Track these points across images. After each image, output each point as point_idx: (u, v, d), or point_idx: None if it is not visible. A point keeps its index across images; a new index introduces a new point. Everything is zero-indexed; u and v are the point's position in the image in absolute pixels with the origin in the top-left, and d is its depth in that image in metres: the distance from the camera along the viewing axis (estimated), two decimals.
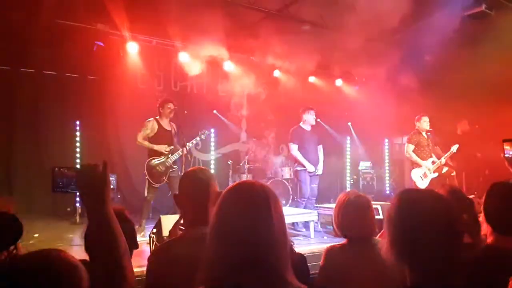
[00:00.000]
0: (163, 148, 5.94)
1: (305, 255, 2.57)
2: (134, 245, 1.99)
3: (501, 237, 1.88)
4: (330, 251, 2.34)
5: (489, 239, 1.93)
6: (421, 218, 1.33)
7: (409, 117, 7.61)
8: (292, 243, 2.46)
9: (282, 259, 1.23)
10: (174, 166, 5.99)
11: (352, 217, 2.34)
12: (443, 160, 6.91)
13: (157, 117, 6.08)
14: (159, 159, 5.97)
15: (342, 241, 2.42)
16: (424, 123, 7.01)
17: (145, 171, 5.91)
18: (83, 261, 1.16)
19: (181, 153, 5.96)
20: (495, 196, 1.95)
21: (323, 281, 2.25)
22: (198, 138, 6.30)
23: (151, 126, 5.99)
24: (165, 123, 6.10)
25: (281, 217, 1.27)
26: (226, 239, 1.22)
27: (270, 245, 1.20)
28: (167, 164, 5.95)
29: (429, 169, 6.85)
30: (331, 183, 10.51)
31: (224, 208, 1.27)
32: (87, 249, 1.76)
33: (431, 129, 7.07)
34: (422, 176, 6.87)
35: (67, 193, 1.43)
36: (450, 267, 1.32)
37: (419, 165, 6.91)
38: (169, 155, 5.97)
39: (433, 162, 6.90)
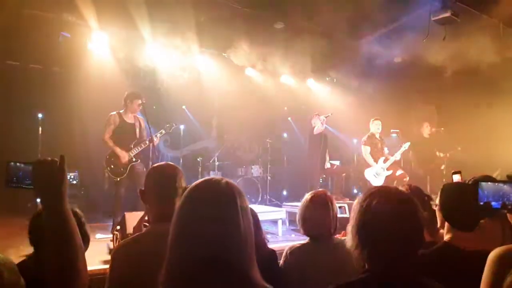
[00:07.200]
0: (123, 156, 5.69)
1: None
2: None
3: (458, 233, 1.92)
4: (290, 251, 2.36)
5: (447, 236, 1.97)
6: (384, 217, 1.35)
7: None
8: (267, 240, 2.45)
9: (247, 258, 1.18)
10: (134, 160, 5.81)
11: (312, 216, 2.34)
12: (398, 156, 7.29)
13: (121, 111, 5.87)
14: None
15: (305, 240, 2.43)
16: (375, 126, 7.45)
17: (104, 163, 5.69)
18: (29, 256, 1.10)
19: (143, 146, 5.82)
20: (449, 193, 2.01)
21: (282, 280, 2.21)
22: (163, 131, 6.16)
23: (114, 120, 5.80)
24: (128, 117, 5.90)
25: (247, 215, 1.22)
26: (188, 238, 1.17)
27: (235, 244, 1.16)
28: (127, 157, 5.77)
29: (382, 168, 7.25)
30: (302, 182, 10.59)
31: (187, 206, 1.21)
32: (33, 242, 1.82)
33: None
34: (376, 174, 7.28)
35: (22, 189, 1.33)
36: (409, 261, 1.35)
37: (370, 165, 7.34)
38: (131, 147, 5.80)
39: (385, 161, 7.28)
